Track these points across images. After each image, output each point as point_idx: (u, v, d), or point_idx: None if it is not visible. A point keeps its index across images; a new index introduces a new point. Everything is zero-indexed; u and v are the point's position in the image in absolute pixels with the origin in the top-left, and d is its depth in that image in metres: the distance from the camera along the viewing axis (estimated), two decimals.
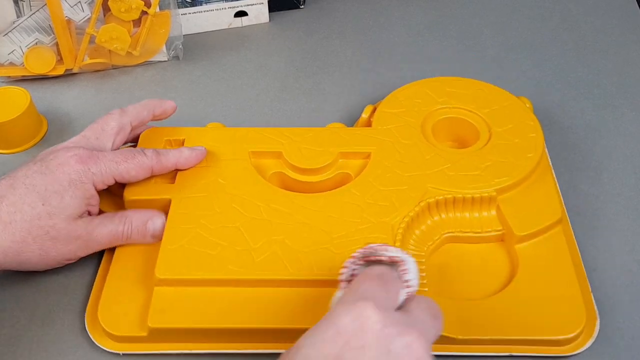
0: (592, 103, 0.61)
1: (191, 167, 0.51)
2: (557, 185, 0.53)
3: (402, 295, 0.37)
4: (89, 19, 0.62)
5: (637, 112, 0.60)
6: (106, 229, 0.47)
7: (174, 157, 0.50)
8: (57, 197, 0.45)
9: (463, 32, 0.70)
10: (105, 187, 0.48)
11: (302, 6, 0.73)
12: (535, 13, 0.71)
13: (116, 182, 0.49)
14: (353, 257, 0.39)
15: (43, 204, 0.45)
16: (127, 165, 0.48)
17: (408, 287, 0.38)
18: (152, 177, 0.50)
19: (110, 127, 0.51)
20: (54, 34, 0.62)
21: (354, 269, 0.39)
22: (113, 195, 0.51)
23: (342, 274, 0.39)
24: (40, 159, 0.48)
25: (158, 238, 0.48)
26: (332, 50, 0.68)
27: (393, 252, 0.39)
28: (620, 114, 0.60)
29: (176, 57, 0.67)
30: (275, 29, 0.71)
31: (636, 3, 0.72)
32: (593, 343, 0.44)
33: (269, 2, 0.70)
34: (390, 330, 0.34)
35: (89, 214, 0.48)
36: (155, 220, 0.48)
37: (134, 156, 0.49)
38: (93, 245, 0.47)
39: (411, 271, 0.38)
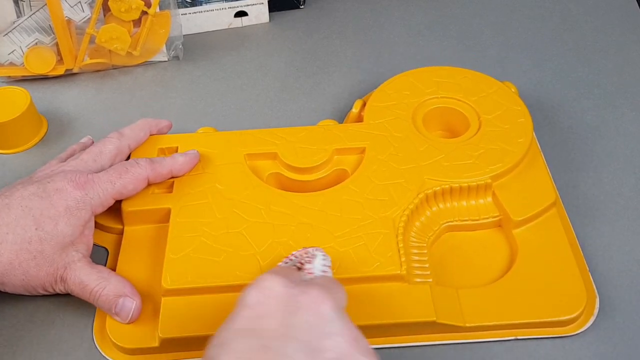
0: (592, 103, 0.61)
1: (186, 173, 0.51)
2: (548, 168, 0.53)
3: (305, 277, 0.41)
4: (89, 19, 0.62)
5: (637, 112, 0.60)
6: (78, 278, 0.45)
7: (168, 164, 0.50)
8: (51, 223, 0.45)
9: (463, 32, 0.70)
10: (105, 209, 0.48)
11: (302, 6, 0.73)
12: (535, 13, 0.71)
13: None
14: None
15: (36, 229, 0.44)
16: (123, 181, 0.48)
17: (310, 273, 0.41)
18: (149, 187, 0.50)
19: (109, 150, 0.50)
20: (54, 34, 0.62)
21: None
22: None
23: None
24: (38, 179, 0.47)
25: (121, 317, 0.44)
26: (332, 50, 0.68)
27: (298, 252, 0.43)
28: (620, 114, 0.60)
29: (176, 57, 0.67)
30: (275, 29, 0.71)
31: (636, 3, 0.72)
32: (595, 320, 0.46)
33: (269, 2, 0.70)
34: (293, 290, 0.36)
35: (83, 245, 0.47)
36: (126, 301, 0.44)
37: (128, 170, 0.48)
38: (64, 286, 0.46)
39: (315, 261, 0.42)
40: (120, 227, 0.51)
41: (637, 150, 0.57)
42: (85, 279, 0.45)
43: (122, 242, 0.50)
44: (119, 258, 0.49)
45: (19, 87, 0.59)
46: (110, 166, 0.50)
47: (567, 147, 0.57)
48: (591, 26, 0.69)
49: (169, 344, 0.44)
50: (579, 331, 0.45)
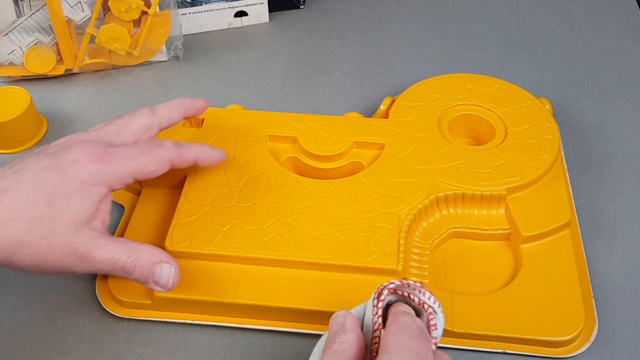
0: (592, 103, 0.61)
1: (210, 166, 0.50)
2: (570, 189, 0.53)
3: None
4: (89, 19, 0.62)
5: (637, 112, 0.60)
6: (106, 254, 0.42)
7: (195, 151, 0.47)
8: (63, 200, 0.41)
9: (463, 32, 0.70)
10: (123, 187, 0.44)
11: (302, 6, 0.73)
12: (535, 13, 0.71)
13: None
14: (387, 287, 0.36)
15: (47, 207, 0.41)
16: (145, 160, 0.44)
17: (435, 344, 0.34)
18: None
19: (137, 125, 0.46)
20: (54, 34, 0.62)
21: (389, 300, 0.36)
22: None
23: (376, 299, 0.36)
24: (53, 152, 0.44)
25: (160, 285, 0.43)
26: (332, 50, 0.68)
27: (428, 299, 0.35)
28: (620, 114, 0.60)
29: (176, 57, 0.67)
30: (275, 29, 0.71)
31: (636, 3, 0.72)
32: (590, 346, 0.44)
33: (269, 2, 0.70)
34: None
35: (99, 221, 0.43)
36: (163, 267, 0.43)
37: (152, 149, 0.45)
38: (88, 266, 0.42)
39: (440, 327, 0.35)
40: (139, 187, 0.53)
41: (637, 150, 0.57)
42: (113, 254, 0.42)
43: (138, 201, 0.52)
44: (132, 216, 0.51)
45: (19, 87, 0.59)
46: (135, 142, 0.46)
47: (567, 147, 0.57)
48: (591, 26, 0.69)
49: (162, 303, 0.46)
50: (569, 355, 0.44)
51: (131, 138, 0.46)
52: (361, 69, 0.66)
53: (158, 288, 0.43)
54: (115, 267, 0.42)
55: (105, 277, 0.48)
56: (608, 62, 0.65)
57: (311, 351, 0.36)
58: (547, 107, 0.56)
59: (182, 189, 0.50)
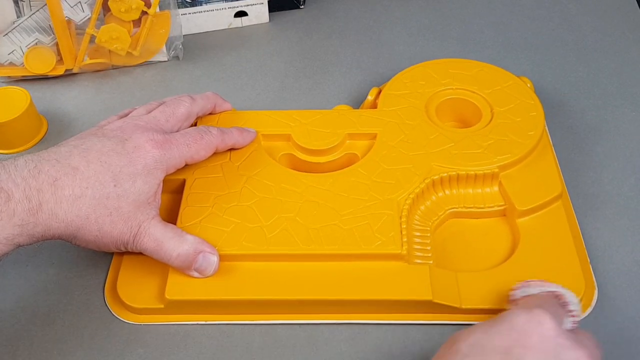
0: (592, 103, 0.61)
1: (244, 147, 0.53)
2: (557, 162, 0.54)
3: (568, 324, 0.40)
4: (89, 19, 0.62)
5: (637, 112, 0.60)
6: (154, 235, 0.45)
7: (234, 137, 0.52)
8: (129, 180, 0.45)
9: (463, 32, 0.70)
10: (175, 170, 0.48)
11: (302, 6, 0.73)
12: (535, 13, 0.71)
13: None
14: (523, 285, 0.43)
15: (115, 185, 0.44)
16: (198, 147, 0.49)
17: (572, 316, 0.40)
18: None
19: (181, 112, 0.51)
20: (54, 34, 0.62)
21: (527, 293, 0.42)
22: None
23: (513, 295, 0.43)
24: (113, 135, 0.47)
25: (202, 273, 0.46)
26: (332, 50, 0.68)
27: (553, 287, 0.42)
28: (620, 114, 0.60)
29: (176, 57, 0.67)
30: (275, 29, 0.71)
31: (636, 3, 0.72)
32: (592, 311, 0.46)
33: (269, 2, 0.70)
34: (562, 341, 0.36)
35: (155, 202, 0.47)
36: (207, 256, 0.45)
37: (202, 136, 0.49)
38: (138, 243, 0.45)
39: (573, 302, 0.41)
40: None
41: (637, 150, 0.57)
42: (160, 236, 0.45)
43: None
44: None
45: (19, 87, 0.59)
46: (178, 129, 0.51)
47: (567, 147, 0.57)
48: (591, 26, 0.69)
49: (174, 306, 0.46)
50: None
51: (176, 125, 0.51)
52: (361, 69, 0.66)
53: (197, 275, 0.46)
54: (159, 249, 0.45)
55: (114, 284, 0.48)
56: (608, 62, 0.65)
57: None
58: (528, 85, 0.57)
59: (182, 193, 0.50)
